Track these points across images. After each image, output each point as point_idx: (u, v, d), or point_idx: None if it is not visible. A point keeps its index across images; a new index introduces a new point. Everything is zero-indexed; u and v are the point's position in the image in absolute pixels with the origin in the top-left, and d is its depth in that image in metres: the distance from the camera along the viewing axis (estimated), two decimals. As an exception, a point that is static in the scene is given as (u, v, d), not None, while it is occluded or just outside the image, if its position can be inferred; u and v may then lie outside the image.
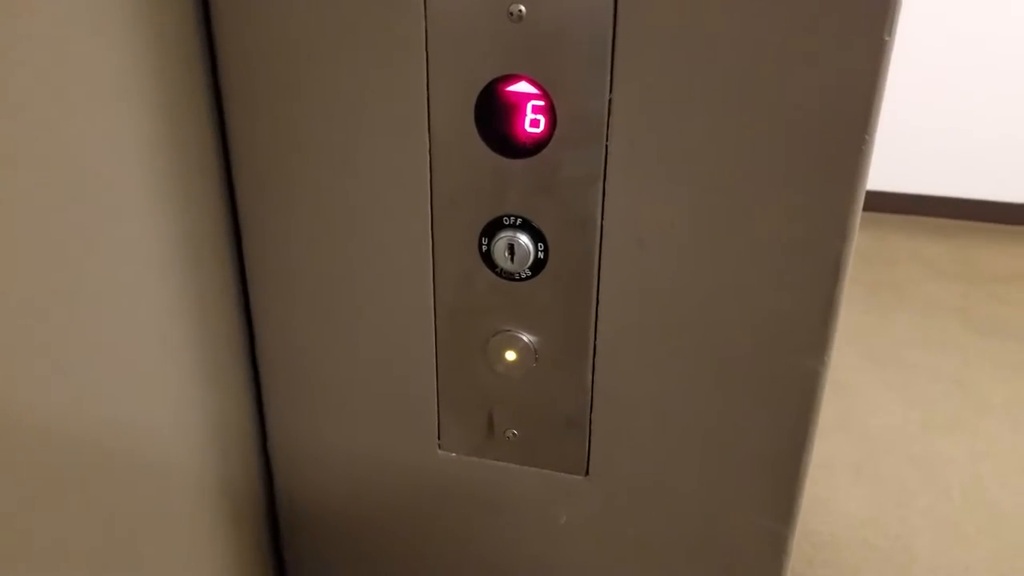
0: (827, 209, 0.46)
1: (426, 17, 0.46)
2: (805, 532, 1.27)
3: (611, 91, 0.45)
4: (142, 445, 0.50)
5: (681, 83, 0.44)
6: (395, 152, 0.50)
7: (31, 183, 0.39)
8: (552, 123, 0.47)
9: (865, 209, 0.46)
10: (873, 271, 2.11)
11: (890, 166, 2.29)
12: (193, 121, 0.51)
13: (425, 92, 0.48)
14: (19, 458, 0.40)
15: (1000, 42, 2.21)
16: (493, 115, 0.47)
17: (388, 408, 0.59)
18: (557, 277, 0.51)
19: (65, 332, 0.42)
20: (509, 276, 0.52)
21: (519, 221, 0.50)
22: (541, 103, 0.47)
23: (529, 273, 0.52)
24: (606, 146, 0.47)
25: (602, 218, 0.49)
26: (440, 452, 0.60)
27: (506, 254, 0.51)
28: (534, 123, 0.47)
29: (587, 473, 0.57)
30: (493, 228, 0.51)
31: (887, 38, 0.41)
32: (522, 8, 0.44)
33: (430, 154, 0.49)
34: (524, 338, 0.54)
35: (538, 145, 0.48)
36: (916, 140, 2.33)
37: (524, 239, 0.50)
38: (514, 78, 0.46)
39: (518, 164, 0.49)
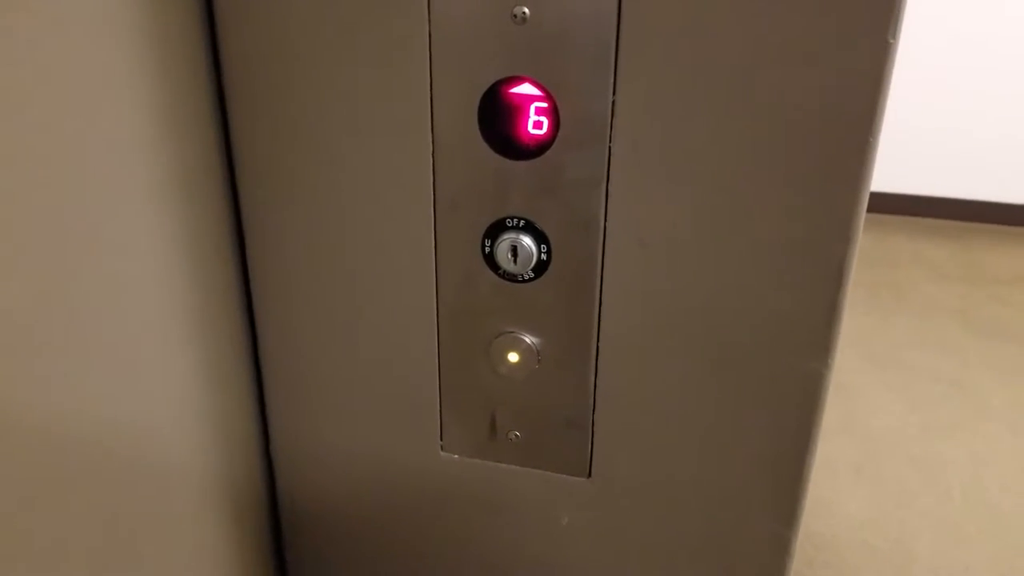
0: (830, 211, 0.46)
1: (429, 19, 0.46)
2: (806, 533, 1.27)
3: (614, 93, 0.45)
4: (144, 445, 0.50)
5: (685, 84, 0.44)
6: (398, 153, 0.50)
7: (33, 182, 0.39)
8: (555, 125, 0.47)
9: (866, 210, 0.46)
10: (874, 272, 2.11)
11: (891, 167, 2.29)
12: (196, 122, 0.51)
13: (428, 93, 0.48)
14: (21, 458, 0.40)
15: (1002, 43, 2.21)
16: (496, 117, 0.47)
17: (390, 409, 0.59)
18: (560, 279, 0.51)
19: (67, 332, 0.42)
20: (512, 278, 0.52)
21: (522, 223, 0.50)
22: (544, 105, 0.47)
23: (532, 275, 0.52)
24: (609, 148, 0.47)
25: (605, 220, 0.49)
26: (442, 453, 0.60)
27: (509, 256, 0.51)
28: (537, 125, 0.47)
29: (589, 475, 0.57)
30: (496, 230, 0.51)
31: (891, 40, 0.41)
32: (526, 10, 0.44)
33: (433, 156, 0.49)
34: (527, 340, 0.54)
35: (541, 147, 0.48)
36: (917, 141, 2.34)
37: (527, 241, 0.50)
38: (517, 80, 0.46)
39: (521, 166, 0.49)
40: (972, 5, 2.18)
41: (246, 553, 0.64)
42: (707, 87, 0.44)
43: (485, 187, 0.50)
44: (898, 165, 2.35)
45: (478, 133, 0.48)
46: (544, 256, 0.51)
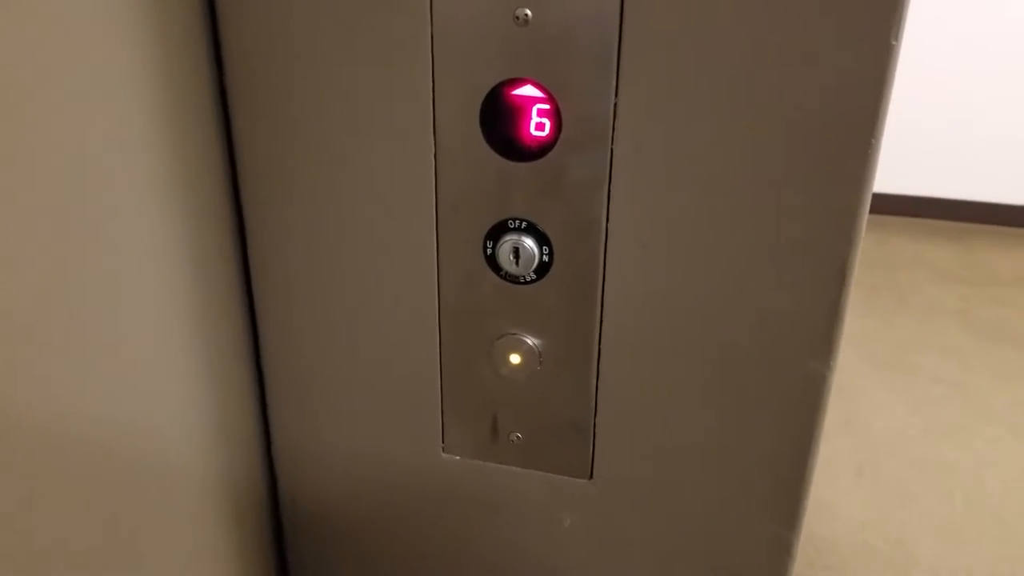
0: (833, 212, 0.46)
1: (432, 21, 0.46)
2: (806, 535, 1.27)
3: (617, 94, 0.45)
4: (144, 445, 0.50)
5: (687, 86, 0.44)
6: (400, 154, 0.50)
7: (34, 181, 0.39)
8: (557, 126, 0.47)
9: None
10: (875, 274, 2.11)
11: (892, 168, 2.29)
12: (198, 122, 0.51)
13: (431, 95, 0.48)
14: (21, 458, 0.40)
15: (1003, 44, 2.21)
16: (498, 118, 0.47)
17: (391, 410, 0.59)
18: (562, 280, 0.51)
19: (68, 332, 0.42)
20: (514, 279, 0.52)
21: (524, 224, 0.50)
22: (546, 106, 0.47)
23: (534, 276, 0.52)
24: (611, 149, 0.47)
25: (607, 221, 0.49)
26: (444, 455, 0.60)
27: (511, 257, 0.51)
28: (539, 126, 0.47)
29: (591, 476, 0.57)
30: (498, 231, 0.51)
31: (893, 43, 0.41)
32: (528, 12, 0.44)
33: (435, 157, 0.49)
34: (528, 341, 0.54)
35: (543, 148, 0.48)
36: (918, 142, 2.34)
37: (529, 242, 0.50)
38: (520, 81, 0.46)
39: (523, 167, 0.49)
40: (974, 6, 2.18)
41: (247, 553, 0.64)
42: (709, 89, 0.44)
43: (487, 188, 0.50)
44: (899, 166, 2.35)
45: (480, 134, 0.48)
46: (546, 258, 0.51)
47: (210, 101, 0.52)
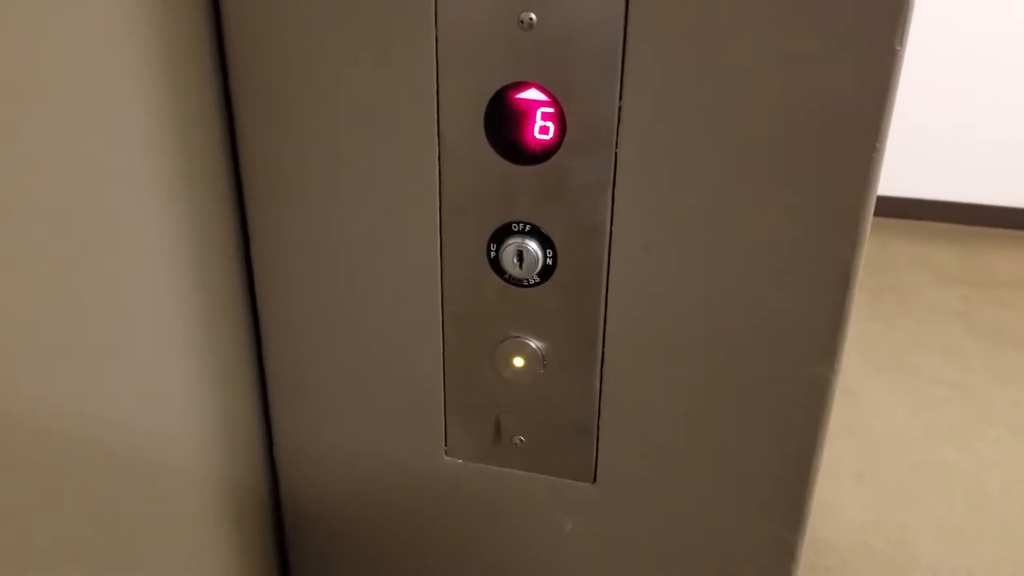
0: (837, 215, 0.46)
1: (436, 24, 0.46)
2: (808, 537, 1.27)
3: (621, 98, 0.45)
4: (147, 446, 0.50)
5: (692, 90, 0.44)
6: (404, 157, 0.50)
7: (37, 182, 0.39)
8: (561, 130, 0.47)
9: (870, 215, 0.46)
10: (876, 276, 2.11)
11: (894, 171, 2.28)
12: (202, 123, 0.51)
13: (435, 99, 0.48)
14: (22, 458, 0.40)
15: (1005, 46, 2.21)
16: (503, 122, 0.48)
17: (394, 413, 0.59)
18: (565, 284, 0.51)
19: (70, 332, 0.42)
20: (517, 282, 0.52)
21: (528, 227, 0.50)
22: (551, 110, 0.47)
23: (537, 279, 0.52)
24: (616, 153, 0.47)
25: (611, 225, 0.49)
26: (447, 458, 0.60)
27: (515, 260, 0.51)
28: (543, 130, 0.47)
29: (594, 480, 0.57)
30: (502, 234, 0.51)
31: (898, 47, 0.41)
32: (532, 16, 0.44)
33: (439, 160, 0.49)
34: (532, 344, 0.54)
35: (547, 152, 0.48)
36: (920, 145, 2.34)
37: (533, 246, 0.50)
38: (524, 85, 0.46)
39: (527, 171, 0.49)
40: (977, 9, 2.18)
41: (248, 555, 0.64)
42: (714, 92, 0.44)
43: (491, 192, 0.50)
44: (901, 169, 2.35)
45: (484, 138, 0.48)
46: (549, 261, 0.51)
47: (214, 102, 0.52)
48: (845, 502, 1.36)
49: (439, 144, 0.49)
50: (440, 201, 0.51)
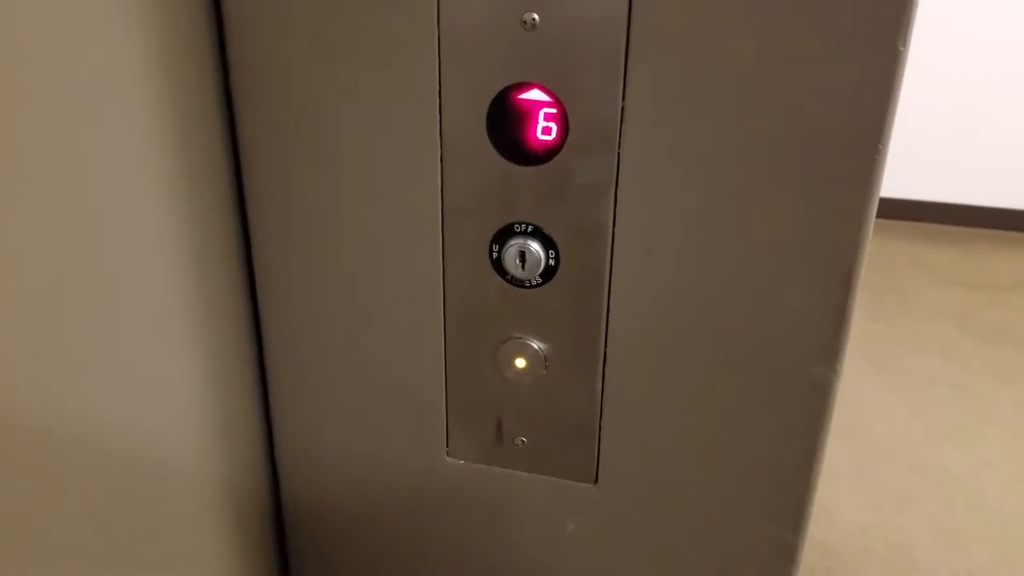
0: (840, 216, 0.46)
1: (439, 24, 0.46)
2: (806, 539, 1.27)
3: (624, 99, 0.45)
4: (147, 447, 0.50)
5: (694, 90, 0.44)
6: (406, 158, 0.50)
7: (38, 182, 0.39)
8: (564, 131, 0.47)
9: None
10: (875, 277, 2.11)
11: (892, 173, 2.29)
12: (203, 123, 0.51)
13: (437, 99, 0.48)
14: (22, 459, 0.40)
15: (1003, 47, 2.21)
16: (505, 122, 0.47)
17: (396, 414, 0.59)
18: (567, 284, 0.51)
19: (70, 332, 0.42)
20: (519, 283, 0.52)
21: (530, 228, 0.50)
22: (553, 111, 0.47)
23: (539, 280, 0.52)
24: (618, 154, 0.47)
25: (613, 225, 0.49)
26: (448, 459, 0.59)
27: (517, 261, 0.51)
28: (546, 131, 0.47)
29: (596, 481, 0.57)
30: (504, 235, 0.51)
31: (901, 48, 0.41)
32: (535, 16, 0.44)
33: (441, 161, 0.49)
34: (534, 345, 0.54)
35: (550, 152, 0.48)
36: (919, 147, 2.34)
37: (535, 246, 0.50)
38: (526, 86, 0.46)
39: (530, 171, 0.48)
40: (975, 10, 2.19)
41: (249, 556, 0.64)
42: (716, 93, 0.44)
43: (493, 192, 0.50)
44: (900, 171, 2.35)
45: (486, 138, 0.48)
46: (552, 262, 0.51)
47: (215, 101, 0.52)
48: (844, 503, 1.36)
49: (441, 144, 0.49)
50: (442, 202, 0.51)
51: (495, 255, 0.51)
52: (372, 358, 0.57)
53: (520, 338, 0.54)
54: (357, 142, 0.50)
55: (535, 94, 0.46)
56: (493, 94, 0.47)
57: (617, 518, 0.58)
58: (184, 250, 0.51)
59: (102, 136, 0.43)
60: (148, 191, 0.47)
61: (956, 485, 1.41)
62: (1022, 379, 1.71)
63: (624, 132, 0.46)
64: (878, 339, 1.84)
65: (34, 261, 0.39)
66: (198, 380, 0.54)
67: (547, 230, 0.50)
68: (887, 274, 2.14)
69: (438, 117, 0.48)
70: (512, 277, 0.52)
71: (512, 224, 0.50)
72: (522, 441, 0.57)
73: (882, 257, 2.22)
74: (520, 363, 0.54)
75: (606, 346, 0.53)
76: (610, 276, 0.50)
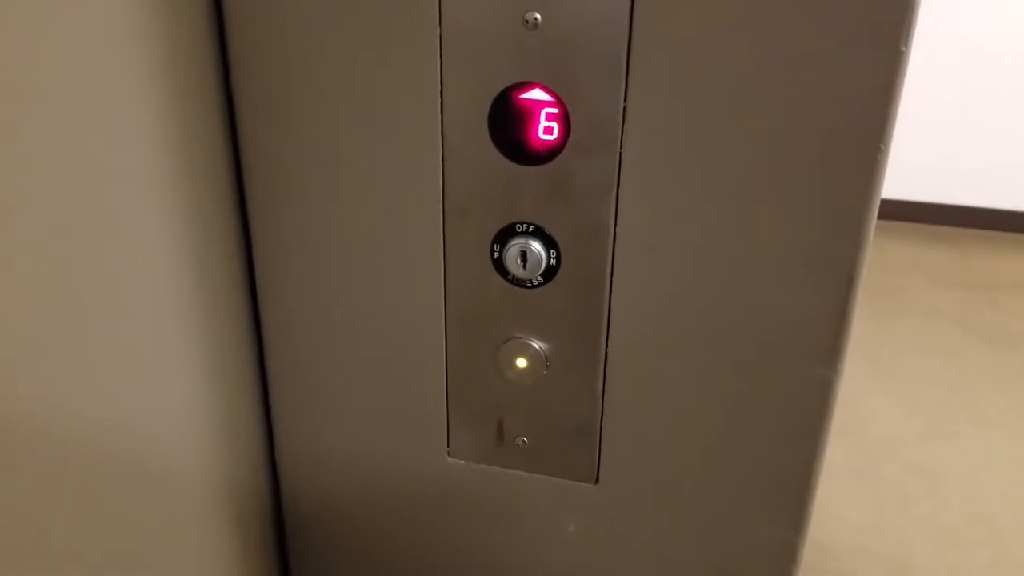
0: (841, 218, 0.46)
1: (440, 24, 0.46)
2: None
3: (626, 99, 0.45)
4: (148, 448, 0.50)
5: (696, 90, 0.44)
6: (408, 158, 0.50)
7: (38, 182, 0.39)
8: (566, 130, 0.47)
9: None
10: (873, 278, 2.11)
11: (891, 173, 2.29)
12: (204, 124, 0.51)
13: (438, 98, 0.48)
14: (23, 461, 0.40)
15: (1001, 49, 2.22)
16: (507, 122, 0.47)
17: (397, 414, 0.59)
18: (569, 284, 0.51)
19: (71, 333, 0.42)
20: (521, 283, 0.52)
21: (531, 228, 0.50)
22: (555, 110, 0.47)
23: (541, 280, 0.52)
24: (620, 154, 0.47)
25: (615, 226, 0.49)
26: (449, 459, 0.59)
27: (518, 261, 0.51)
28: (548, 130, 0.47)
29: (597, 481, 0.57)
30: (505, 235, 0.51)
31: (903, 49, 0.41)
32: (537, 16, 0.44)
33: (443, 160, 0.49)
34: (535, 345, 0.54)
35: (552, 152, 0.48)
36: (917, 148, 2.34)
37: (536, 246, 0.50)
38: (528, 85, 0.46)
39: (531, 171, 0.48)
40: (973, 12, 2.19)
41: (250, 557, 0.64)
42: (719, 93, 0.44)
43: (495, 192, 0.50)
44: (898, 172, 2.35)
45: (488, 138, 0.48)
46: (553, 261, 0.51)
47: (216, 102, 0.52)
48: (842, 504, 1.36)
49: (443, 144, 0.49)
50: (443, 201, 0.51)
51: (496, 255, 0.51)
52: (373, 358, 0.57)
53: (521, 338, 0.54)
54: (358, 142, 0.50)
55: (537, 94, 0.46)
56: (495, 94, 0.47)
57: (618, 518, 0.58)
58: (185, 250, 0.51)
59: (102, 136, 0.43)
60: (148, 191, 0.47)
61: (954, 486, 1.41)
62: (1020, 380, 1.71)
63: (626, 132, 0.46)
64: (877, 340, 1.84)
65: (34, 261, 0.39)
66: (198, 380, 0.54)
67: (548, 230, 0.50)
68: (886, 275, 2.14)
69: (439, 117, 0.48)
70: (513, 277, 0.52)
71: (513, 224, 0.50)
72: (523, 441, 0.57)
73: (881, 258, 2.22)
74: (521, 363, 0.54)
75: (607, 346, 0.53)
76: (611, 276, 0.50)
